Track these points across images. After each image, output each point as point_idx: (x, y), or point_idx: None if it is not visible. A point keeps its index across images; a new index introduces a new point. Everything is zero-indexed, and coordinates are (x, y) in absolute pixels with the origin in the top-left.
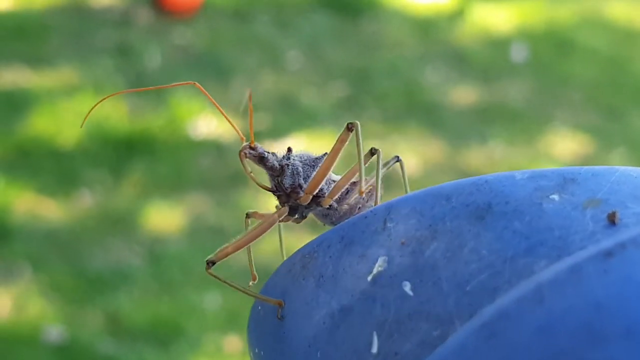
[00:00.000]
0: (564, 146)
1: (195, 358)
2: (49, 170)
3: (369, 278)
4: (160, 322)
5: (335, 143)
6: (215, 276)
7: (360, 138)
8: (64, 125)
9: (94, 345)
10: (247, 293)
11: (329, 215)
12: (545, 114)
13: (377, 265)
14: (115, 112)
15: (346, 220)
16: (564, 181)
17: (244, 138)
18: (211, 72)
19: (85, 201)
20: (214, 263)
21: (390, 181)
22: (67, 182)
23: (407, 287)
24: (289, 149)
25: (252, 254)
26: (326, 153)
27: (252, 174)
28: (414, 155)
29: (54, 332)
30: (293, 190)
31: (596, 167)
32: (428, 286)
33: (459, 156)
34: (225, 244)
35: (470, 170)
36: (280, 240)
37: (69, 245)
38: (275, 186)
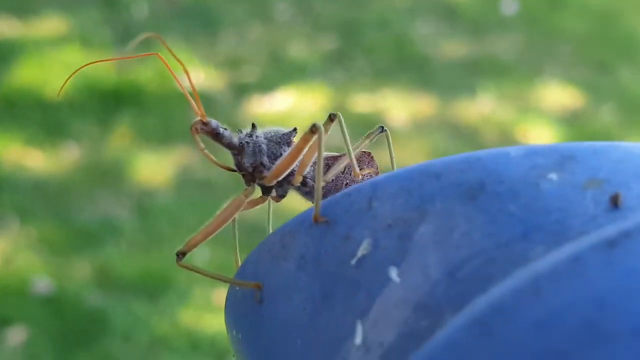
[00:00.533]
0: (554, 100)
1: (184, 311)
2: (35, 122)
3: (353, 262)
4: (148, 274)
5: (299, 142)
6: (186, 267)
7: (323, 143)
8: (50, 76)
9: (82, 297)
10: (221, 279)
11: (310, 193)
12: (535, 67)
13: (361, 248)
14: (103, 64)
15: (329, 198)
16: (562, 159)
17: (199, 112)
18: (199, 23)
19: (73, 153)
20: (184, 254)
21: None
22: (54, 134)
23: (393, 272)
24: (253, 126)
25: (237, 240)
26: (295, 129)
27: (206, 151)
28: (403, 109)
29: (42, 283)
30: (255, 169)
31: (597, 144)
32: (416, 272)
33: (448, 109)
34: (193, 233)
35: (460, 124)
36: (268, 217)
37: (57, 197)
38: (237, 165)
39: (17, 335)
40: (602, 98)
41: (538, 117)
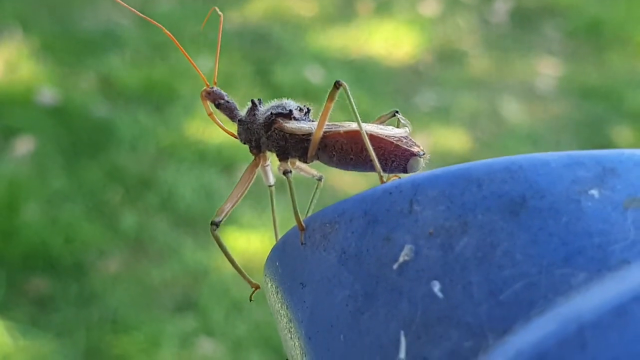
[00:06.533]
0: None
1: (189, 121)
2: None
3: (395, 266)
4: (153, 84)
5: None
6: (217, 239)
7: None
8: None
9: (88, 107)
10: (234, 266)
11: (332, 158)
12: None
13: (403, 253)
14: None
15: (369, 192)
16: (604, 172)
17: (207, 82)
18: None
19: None
20: (217, 224)
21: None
22: None
23: (436, 287)
24: (253, 103)
25: (275, 213)
26: (295, 108)
27: (213, 116)
28: None
29: (47, 93)
30: (247, 144)
31: (639, 153)
32: (458, 289)
33: None
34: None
35: None
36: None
37: (59, 4)
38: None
39: (25, 144)
40: None
41: None
